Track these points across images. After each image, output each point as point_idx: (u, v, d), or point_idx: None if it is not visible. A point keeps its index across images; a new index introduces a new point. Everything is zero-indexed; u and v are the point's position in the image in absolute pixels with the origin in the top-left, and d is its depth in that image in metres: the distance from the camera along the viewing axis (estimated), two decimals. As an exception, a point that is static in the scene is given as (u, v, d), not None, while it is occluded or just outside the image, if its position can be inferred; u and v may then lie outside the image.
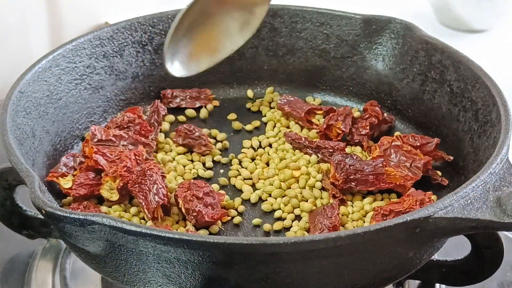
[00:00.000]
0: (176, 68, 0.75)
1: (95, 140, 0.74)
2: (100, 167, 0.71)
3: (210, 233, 0.69)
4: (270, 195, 0.74)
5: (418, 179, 0.73)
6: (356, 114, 0.82)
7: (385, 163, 0.73)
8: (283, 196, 0.74)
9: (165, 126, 0.82)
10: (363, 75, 0.85)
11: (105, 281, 0.72)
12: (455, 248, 0.71)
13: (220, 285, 0.59)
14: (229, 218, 0.72)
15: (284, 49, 0.87)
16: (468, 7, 1.12)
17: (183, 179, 0.75)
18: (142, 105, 0.85)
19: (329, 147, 0.77)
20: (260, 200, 0.74)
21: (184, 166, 0.77)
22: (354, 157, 0.73)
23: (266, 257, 0.57)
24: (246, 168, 0.77)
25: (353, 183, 0.72)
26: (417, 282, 0.73)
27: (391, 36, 0.82)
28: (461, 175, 0.73)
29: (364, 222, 0.71)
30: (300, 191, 0.74)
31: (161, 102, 0.85)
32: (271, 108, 0.86)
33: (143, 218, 0.70)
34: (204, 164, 0.78)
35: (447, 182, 0.74)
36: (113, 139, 0.74)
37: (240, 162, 0.78)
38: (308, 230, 0.70)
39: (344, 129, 0.79)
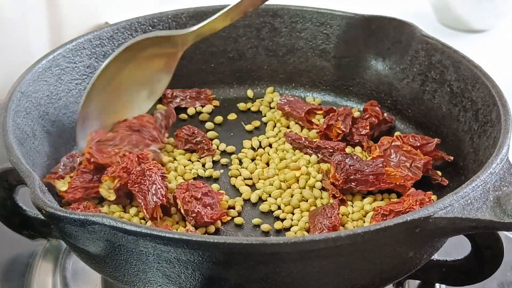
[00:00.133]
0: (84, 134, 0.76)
1: (95, 141, 0.74)
2: (98, 165, 0.71)
3: (207, 233, 0.69)
4: (270, 195, 0.74)
5: (418, 179, 0.73)
6: (356, 114, 0.82)
7: (385, 163, 0.73)
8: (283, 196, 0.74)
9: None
10: (363, 75, 0.85)
11: (105, 281, 0.72)
12: (455, 248, 0.71)
13: (220, 285, 0.59)
14: (229, 218, 0.72)
15: (284, 49, 0.87)
16: (468, 7, 1.12)
17: (183, 179, 0.75)
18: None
19: (329, 147, 0.77)
20: (260, 200, 0.74)
21: (184, 166, 0.77)
22: (354, 157, 0.73)
23: (266, 257, 0.57)
24: (246, 168, 0.77)
25: (353, 183, 0.72)
26: (417, 282, 0.73)
27: (391, 36, 0.82)
28: (461, 175, 0.73)
29: (364, 222, 0.71)
30: (300, 191, 0.74)
31: (161, 102, 0.85)
32: (271, 108, 0.86)
33: (143, 218, 0.70)
34: (204, 164, 0.78)
35: (447, 182, 0.74)
36: (114, 141, 0.74)
37: (240, 162, 0.78)
38: (308, 230, 0.70)
39: (344, 129, 0.79)
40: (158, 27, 0.85)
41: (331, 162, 0.73)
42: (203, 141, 0.79)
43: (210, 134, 0.82)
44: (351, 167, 0.72)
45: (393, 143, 0.75)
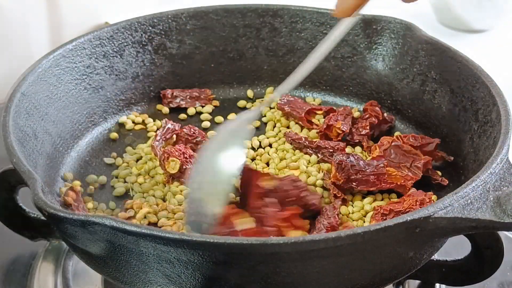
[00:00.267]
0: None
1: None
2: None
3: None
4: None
5: (418, 179, 0.73)
6: (356, 114, 0.82)
7: (386, 163, 0.73)
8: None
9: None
10: (363, 75, 0.85)
11: (106, 282, 0.72)
12: (455, 248, 0.71)
13: (220, 285, 0.59)
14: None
15: (284, 49, 0.87)
16: (468, 7, 1.12)
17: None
18: (142, 105, 0.85)
19: (329, 147, 0.77)
20: (260, 200, 0.74)
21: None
22: (355, 157, 0.73)
23: (266, 257, 0.57)
24: (246, 168, 0.77)
25: (354, 183, 0.72)
26: (417, 282, 0.73)
27: (391, 36, 0.82)
28: (461, 175, 0.73)
29: (364, 222, 0.71)
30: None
31: (161, 102, 0.85)
32: (271, 108, 0.86)
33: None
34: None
35: (447, 182, 0.74)
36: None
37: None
38: (308, 230, 0.70)
39: (344, 129, 0.79)
40: (158, 27, 0.85)
41: (332, 162, 0.73)
42: (203, 141, 0.79)
43: (210, 134, 0.82)
44: (352, 167, 0.72)
45: (393, 143, 0.75)
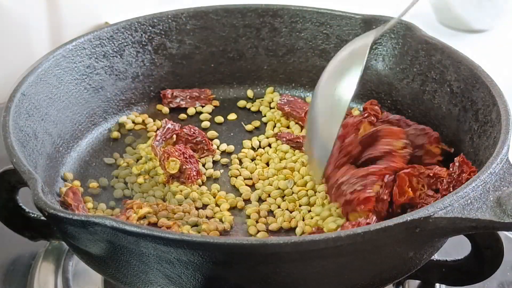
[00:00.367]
0: None
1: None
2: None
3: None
4: (269, 195, 0.74)
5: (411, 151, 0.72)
6: (356, 113, 0.82)
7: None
8: (282, 196, 0.74)
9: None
10: (363, 75, 0.84)
11: (106, 282, 0.72)
12: (455, 248, 0.71)
13: (221, 285, 0.59)
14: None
15: (284, 49, 0.87)
16: (468, 7, 1.12)
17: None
18: (142, 105, 0.85)
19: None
20: (260, 200, 0.74)
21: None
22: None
23: (266, 257, 0.57)
24: (246, 168, 0.77)
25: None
26: (417, 282, 0.73)
27: (391, 36, 0.82)
28: (461, 175, 0.73)
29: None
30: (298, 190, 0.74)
31: (161, 102, 0.85)
32: (271, 108, 0.86)
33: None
34: (204, 164, 0.78)
35: (453, 150, 0.74)
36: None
37: (240, 162, 0.79)
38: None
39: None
40: (158, 27, 0.85)
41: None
42: (203, 141, 0.79)
43: (210, 134, 0.82)
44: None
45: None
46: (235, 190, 0.76)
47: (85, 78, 0.80)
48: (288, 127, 0.83)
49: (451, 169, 0.69)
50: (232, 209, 0.73)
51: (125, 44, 0.83)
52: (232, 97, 0.88)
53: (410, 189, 0.68)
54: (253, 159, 0.79)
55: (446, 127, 0.77)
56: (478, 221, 0.59)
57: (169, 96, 0.85)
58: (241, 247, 0.56)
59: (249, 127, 0.84)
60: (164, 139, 0.79)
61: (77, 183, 0.74)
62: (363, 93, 0.85)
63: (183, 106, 0.86)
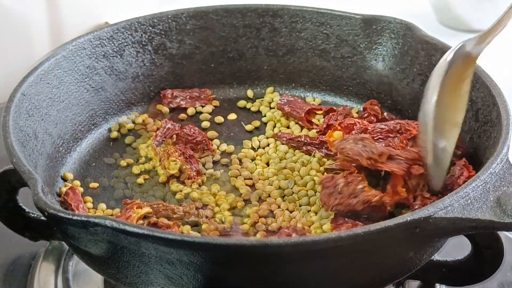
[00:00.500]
0: None
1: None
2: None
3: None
4: (270, 195, 0.74)
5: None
6: (356, 114, 0.82)
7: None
8: (282, 196, 0.74)
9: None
10: (363, 75, 0.85)
11: (107, 283, 0.72)
12: (455, 248, 0.71)
13: (221, 286, 0.59)
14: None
15: (284, 49, 0.87)
16: (468, 7, 1.12)
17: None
18: (142, 105, 0.85)
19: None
20: (260, 200, 0.74)
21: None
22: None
23: (267, 257, 0.57)
24: (246, 168, 0.77)
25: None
26: (417, 282, 0.73)
27: (391, 36, 0.82)
28: (461, 175, 0.73)
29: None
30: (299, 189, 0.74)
31: (161, 102, 0.85)
32: (271, 108, 0.86)
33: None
34: (204, 164, 0.78)
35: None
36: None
37: (240, 162, 0.79)
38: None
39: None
40: (158, 27, 0.85)
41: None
42: (203, 141, 0.79)
43: (210, 134, 0.82)
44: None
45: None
46: (235, 190, 0.76)
47: (85, 78, 0.80)
48: (288, 127, 0.83)
49: (451, 171, 0.69)
50: (232, 209, 0.73)
51: (125, 44, 0.83)
52: (232, 97, 0.88)
53: (404, 189, 0.68)
54: (253, 159, 0.79)
55: (446, 127, 0.77)
56: (478, 221, 0.59)
57: (169, 96, 0.85)
58: (241, 247, 0.56)
59: (249, 127, 0.84)
60: (164, 139, 0.79)
61: (77, 183, 0.75)
62: (363, 93, 0.85)
63: (183, 106, 0.86)
